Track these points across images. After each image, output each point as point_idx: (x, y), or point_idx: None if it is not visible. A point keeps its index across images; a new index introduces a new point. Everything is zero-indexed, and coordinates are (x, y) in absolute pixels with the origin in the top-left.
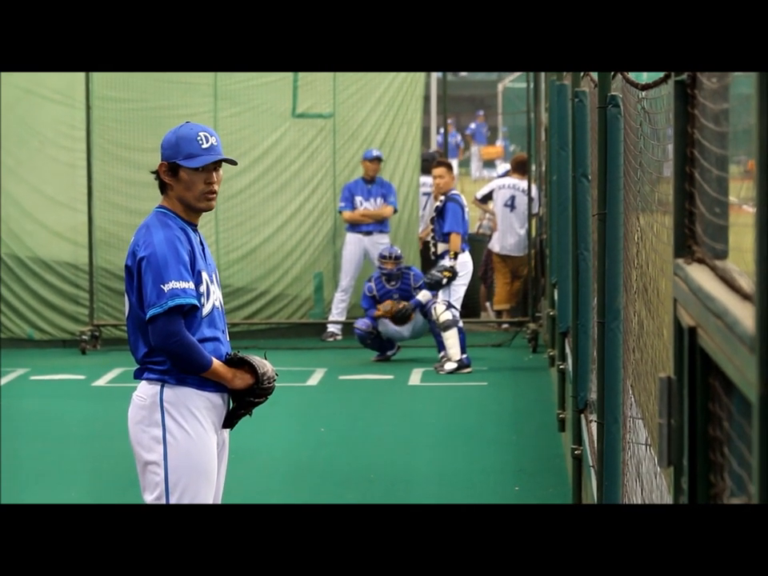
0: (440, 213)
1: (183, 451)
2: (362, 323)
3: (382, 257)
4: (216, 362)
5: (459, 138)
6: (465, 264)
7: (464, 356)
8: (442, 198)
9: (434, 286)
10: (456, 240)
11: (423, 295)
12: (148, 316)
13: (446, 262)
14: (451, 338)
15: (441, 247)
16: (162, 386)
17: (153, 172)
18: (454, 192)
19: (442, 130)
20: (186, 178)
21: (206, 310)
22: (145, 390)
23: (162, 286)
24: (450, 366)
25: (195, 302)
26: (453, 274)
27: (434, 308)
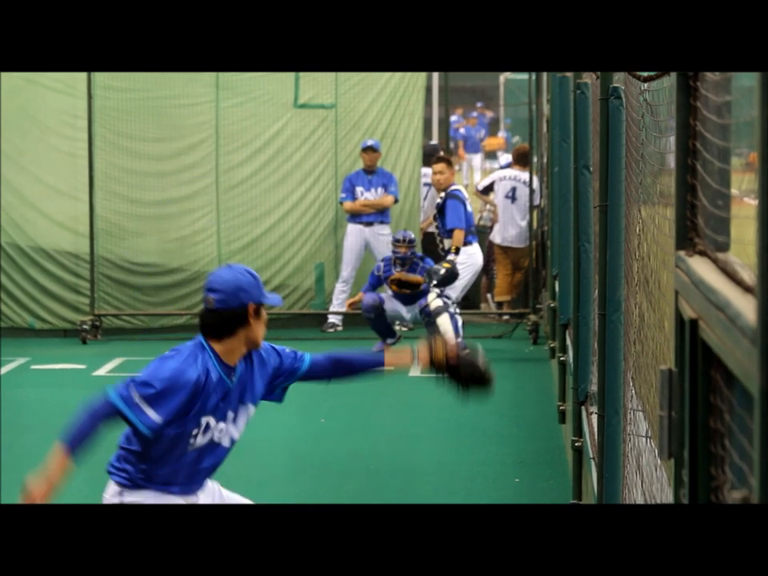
0: (440, 210)
1: None
2: (369, 296)
3: (395, 240)
4: (60, 456)
5: (483, 132)
6: (472, 255)
7: (459, 340)
8: (442, 194)
9: (442, 282)
10: (459, 235)
11: (432, 293)
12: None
13: (450, 256)
14: (444, 324)
15: (447, 243)
16: (122, 492)
17: (231, 314)
18: (453, 188)
19: (452, 120)
20: (264, 316)
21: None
22: (110, 491)
23: (131, 382)
24: None
25: (137, 425)
26: (451, 266)
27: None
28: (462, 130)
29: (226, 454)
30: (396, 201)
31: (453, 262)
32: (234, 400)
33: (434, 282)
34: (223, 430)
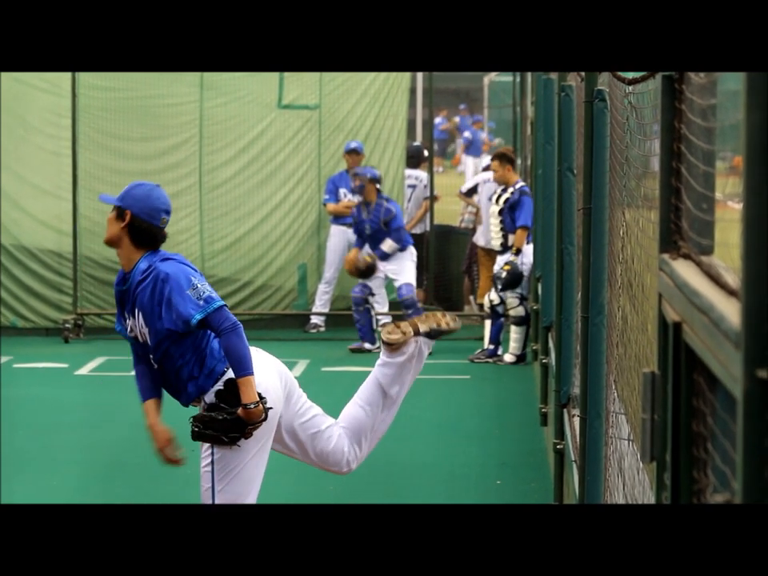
0: (512, 206)
1: None
2: (358, 289)
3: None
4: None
5: (485, 134)
6: (529, 255)
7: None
8: (511, 190)
9: (507, 284)
10: (523, 236)
11: (389, 246)
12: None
13: (510, 256)
14: (515, 334)
15: (511, 238)
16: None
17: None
18: (522, 185)
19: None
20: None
21: None
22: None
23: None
24: (509, 357)
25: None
26: (512, 267)
27: (507, 301)
28: (466, 133)
29: (155, 354)
30: None
31: (513, 263)
32: (128, 303)
33: (500, 287)
34: (133, 326)
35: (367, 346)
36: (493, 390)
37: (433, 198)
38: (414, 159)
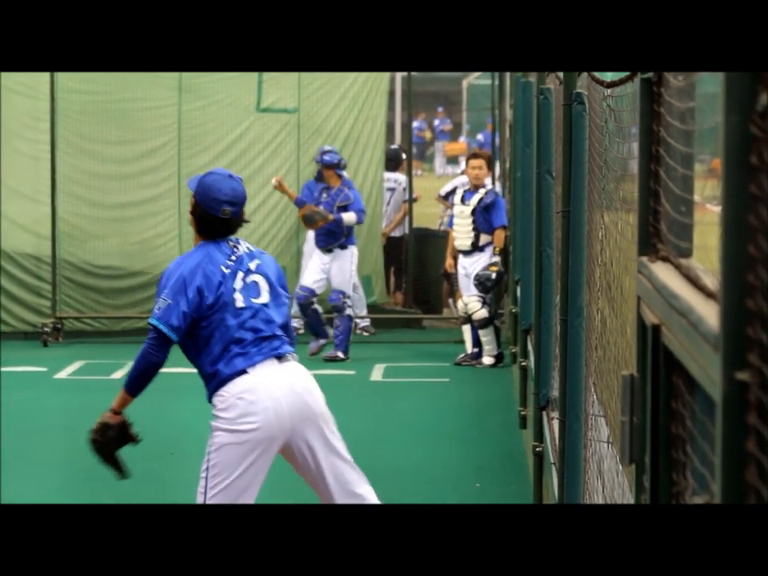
0: (488, 207)
1: None
2: (334, 296)
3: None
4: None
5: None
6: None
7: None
8: (484, 190)
9: (492, 287)
10: (501, 235)
11: (348, 216)
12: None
13: (494, 257)
14: (485, 337)
15: (483, 239)
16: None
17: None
18: (492, 187)
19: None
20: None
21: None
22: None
23: None
24: (487, 360)
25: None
26: (499, 268)
27: (468, 305)
28: (479, 136)
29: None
30: None
31: (499, 263)
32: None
33: (489, 286)
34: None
35: (340, 355)
36: (472, 393)
37: (412, 201)
38: (392, 162)
